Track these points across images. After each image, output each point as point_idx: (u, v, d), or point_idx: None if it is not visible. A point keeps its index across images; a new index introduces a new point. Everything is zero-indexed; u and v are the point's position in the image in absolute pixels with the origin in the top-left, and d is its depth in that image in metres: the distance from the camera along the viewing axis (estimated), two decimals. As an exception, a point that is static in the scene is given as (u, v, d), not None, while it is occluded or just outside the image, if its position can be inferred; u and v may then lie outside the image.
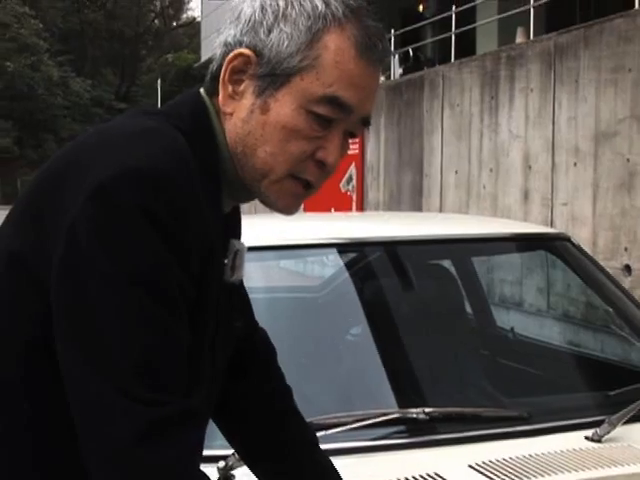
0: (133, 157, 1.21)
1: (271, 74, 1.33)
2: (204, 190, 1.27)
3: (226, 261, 1.44)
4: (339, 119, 1.34)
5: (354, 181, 13.78)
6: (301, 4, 1.33)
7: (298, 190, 1.38)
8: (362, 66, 1.33)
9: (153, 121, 1.33)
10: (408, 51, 15.90)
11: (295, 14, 1.33)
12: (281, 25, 1.33)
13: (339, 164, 1.40)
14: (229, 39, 1.38)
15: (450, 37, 13.39)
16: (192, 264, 1.24)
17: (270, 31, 1.33)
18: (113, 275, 1.17)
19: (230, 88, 1.37)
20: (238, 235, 1.56)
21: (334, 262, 3.55)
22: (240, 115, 1.36)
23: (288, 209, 1.41)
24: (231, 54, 1.35)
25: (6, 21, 50.58)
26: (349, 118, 1.36)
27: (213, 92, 1.40)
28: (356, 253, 3.26)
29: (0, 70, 50.58)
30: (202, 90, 1.43)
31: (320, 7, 1.32)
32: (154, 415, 1.16)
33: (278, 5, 1.34)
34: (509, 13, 12.22)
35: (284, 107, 1.33)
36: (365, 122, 1.40)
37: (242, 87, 1.36)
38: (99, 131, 1.37)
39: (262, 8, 1.34)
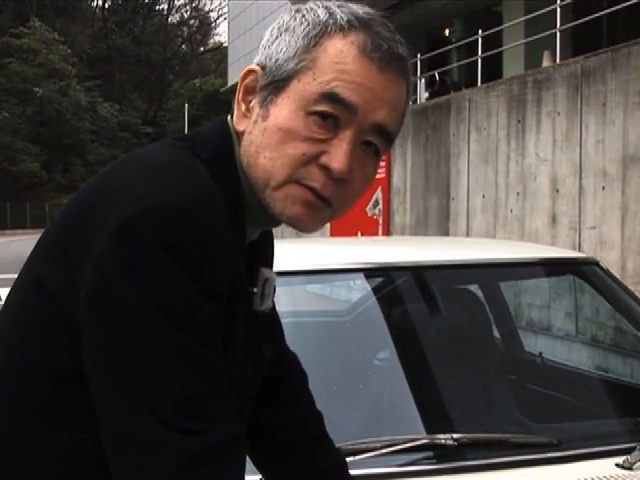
0: (157, 193, 1.21)
1: (271, 82, 1.33)
2: (228, 221, 1.26)
3: (255, 290, 1.43)
4: (344, 119, 1.30)
5: (380, 205, 13.78)
6: (304, 15, 1.33)
7: (307, 196, 1.32)
8: (365, 65, 1.30)
9: (178, 151, 1.33)
10: (434, 75, 15.93)
11: (295, 24, 1.33)
12: (282, 35, 1.34)
13: (354, 176, 1.33)
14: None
15: (476, 61, 13.40)
16: (219, 296, 1.23)
17: (272, 43, 1.35)
18: (142, 310, 1.16)
19: (243, 107, 1.37)
20: (269, 262, 1.55)
21: (361, 286, 3.55)
22: (248, 129, 1.36)
23: (298, 219, 1.35)
24: (242, 73, 1.37)
25: (36, 47, 51.24)
26: (355, 119, 1.30)
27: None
28: (383, 278, 3.25)
29: (29, 95, 51.23)
30: (229, 118, 1.43)
31: (322, 16, 1.32)
32: (198, 444, 1.15)
33: (283, 20, 1.36)
34: (536, 37, 12.21)
35: (282, 110, 1.31)
36: (382, 132, 1.34)
37: (252, 104, 1.36)
38: (126, 161, 1.37)
39: (272, 29, 1.37)
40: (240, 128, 1.37)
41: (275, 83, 1.32)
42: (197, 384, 1.18)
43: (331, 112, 1.29)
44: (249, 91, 1.37)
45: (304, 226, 1.36)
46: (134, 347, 1.17)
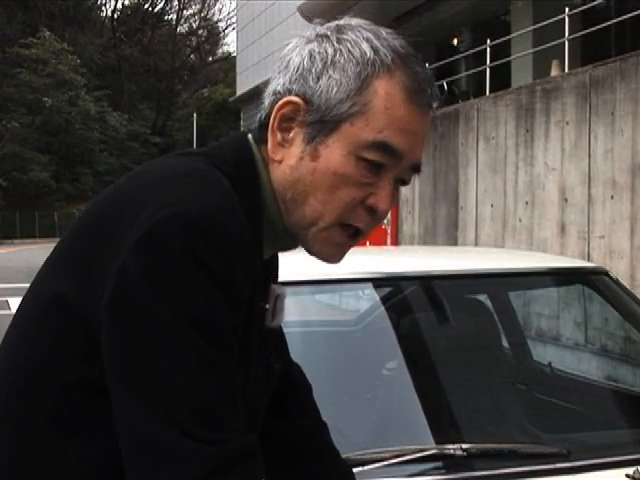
0: (182, 200, 1.22)
1: (321, 121, 1.33)
2: (248, 233, 1.27)
3: (267, 306, 1.44)
4: (390, 165, 1.34)
5: (389, 214, 13.76)
6: (349, 51, 1.33)
7: (343, 239, 1.38)
8: (412, 111, 1.34)
9: (198, 162, 1.34)
10: (443, 84, 15.92)
11: (344, 61, 1.33)
12: (330, 72, 1.33)
13: (390, 212, 1.39)
14: (278, 88, 1.38)
15: (485, 70, 13.40)
16: (239, 306, 1.25)
17: (319, 78, 1.34)
18: (165, 317, 1.17)
19: (279, 136, 1.37)
20: (276, 279, 1.56)
21: (369, 296, 3.54)
22: (289, 162, 1.36)
23: (332, 257, 1.41)
24: (280, 102, 1.36)
25: (45, 57, 51.37)
26: (399, 164, 1.35)
27: (260, 140, 1.41)
28: (391, 287, 3.25)
29: (38, 105, 51.34)
30: (250, 136, 1.43)
31: (369, 54, 1.33)
32: (218, 453, 1.16)
33: (327, 52, 1.34)
34: (544, 46, 12.21)
35: (334, 153, 1.32)
36: (415, 169, 1.40)
37: (291, 134, 1.36)
38: (145, 171, 1.38)
39: (311, 56, 1.35)
40: (277, 157, 1.38)
41: (325, 123, 1.33)
42: (216, 392, 1.19)
43: (381, 161, 1.33)
44: (285, 120, 1.37)
45: (334, 261, 1.42)
46: (156, 353, 1.17)
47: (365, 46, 1.33)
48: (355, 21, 1.39)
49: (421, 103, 1.35)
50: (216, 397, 1.19)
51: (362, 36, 1.35)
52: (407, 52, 1.36)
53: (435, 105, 1.39)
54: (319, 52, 1.35)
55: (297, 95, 1.35)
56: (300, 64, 1.36)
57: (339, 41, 1.35)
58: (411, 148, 1.35)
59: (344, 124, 1.32)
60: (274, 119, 1.37)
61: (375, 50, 1.33)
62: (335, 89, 1.33)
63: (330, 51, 1.34)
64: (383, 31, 1.37)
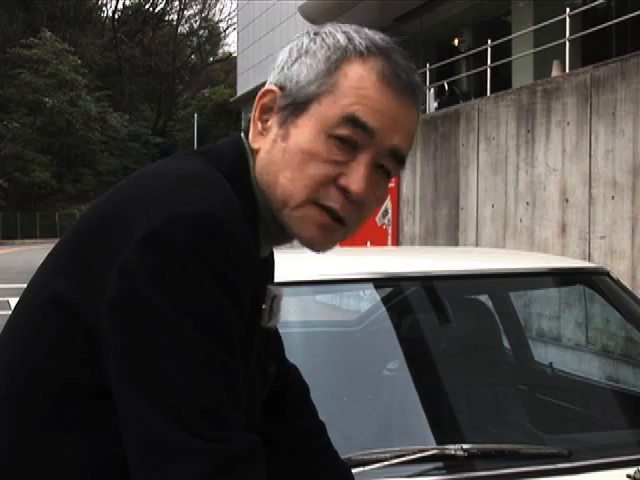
0: (186, 202, 1.23)
1: (292, 103, 1.36)
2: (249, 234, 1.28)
3: (264, 306, 1.44)
4: (362, 143, 1.33)
5: (390, 215, 13.76)
6: (323, 39, 1.37)
7: (324, 220, 1.35)
8: (385, 93, 1.33)
9: (200, 164, 1.35)
10: (443, 85, 15.93)
11: (316, 48, 1.36)
12: (302, 58, 1.37)
13: (369, 198, 1.36)
14: (265, 87, 1.41)
15: (485, 71, 13.40)
16: (243, 307, 1.25)
17: (292, 65, 1.37)
18: (171, 317, 1.18)
19: (260, 125, 1.40)
20: (272, 280, 1.56)
21: (370, 297, 3.54)
22: (265, 148, 1.38)
23: (315, 240, 1.38)
24: (260, 92, 1.39)
25: (46, 57, 51.36)
26: (373, 143, 1.34)
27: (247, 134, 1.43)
28: (392, 288, 3.25)
29: (39, 106, 51.34)
30: (243, 135, 1.45)
31: (342, 41, 1.36)
32: (223, 452, 1.17)
33: (302, 43, 1.38)
34: (545, 47, 12.21)
35: (303, 132, 1.34)
36: (396, 156, 1.38)
37: (269, 123, 1.39)
38: (147, 173, 1.39)
39: (290, 50, 1.40)
40: (256, 146, 1.40)
41: (296, 105, 1.35)
42: (220, 392, 1.19)
43: (351, 136, 1.32)
44: (266, 110, 1.39)
45: (320, 248, 1.40)
46: (163, 352, 1.18)
47: (340, 36, 1.36)
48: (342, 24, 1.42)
49: (397, 87, 1.34)
50: (221, 396, 1.19)
51: (340, 29, 1.38)
52: (387, 44, 1.38)
53: (416, 92, 1.38)
54: (297, 44, 1.39)
55: (275, 85, 1.39)
56: (281, 59, 1.40)
57: (316, 33, 1.39)
58: (385, 128, 1.34)
59: (313, 104, 1.34)
60: (255, 110, 1.40)
61: (349, 39, 1.36)
62: (305, 72, 1.35)
63: (305, 41, 1.39)
64: (366, 29, 1.40)
